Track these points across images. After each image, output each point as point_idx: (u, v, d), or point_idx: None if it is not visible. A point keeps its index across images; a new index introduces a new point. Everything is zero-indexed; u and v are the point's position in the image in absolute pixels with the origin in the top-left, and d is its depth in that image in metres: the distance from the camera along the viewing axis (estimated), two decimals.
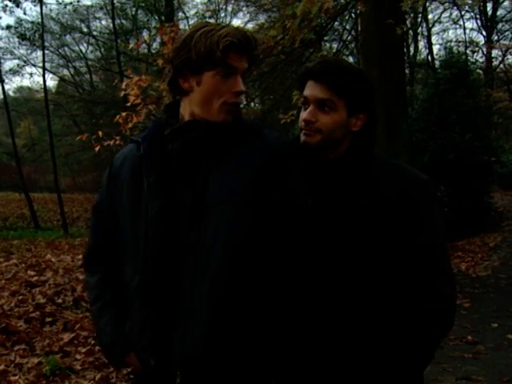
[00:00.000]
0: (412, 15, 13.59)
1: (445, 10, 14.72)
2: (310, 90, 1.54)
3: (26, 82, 52.33)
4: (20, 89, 28.04)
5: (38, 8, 18.32)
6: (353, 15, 9.27)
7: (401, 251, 1.49)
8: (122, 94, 6.48)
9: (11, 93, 25.43)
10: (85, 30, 23.49)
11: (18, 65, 22.23)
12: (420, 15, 14.11)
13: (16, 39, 20.31)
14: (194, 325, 1.43)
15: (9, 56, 22.00)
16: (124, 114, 6.95)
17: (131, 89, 6.53)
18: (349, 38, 14.58)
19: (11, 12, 20.29)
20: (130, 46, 10.72)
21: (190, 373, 1.44)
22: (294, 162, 1.52)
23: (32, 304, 5.73)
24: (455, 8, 15.84)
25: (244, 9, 23.16)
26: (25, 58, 22.06)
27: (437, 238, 1.51)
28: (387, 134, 6.21)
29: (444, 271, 1.50)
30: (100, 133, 7.31)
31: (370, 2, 5.11)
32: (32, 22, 19.11)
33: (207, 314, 1.41)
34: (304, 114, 1.54)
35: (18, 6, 17.03)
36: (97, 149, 6.88)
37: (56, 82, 27.63)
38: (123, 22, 22.49)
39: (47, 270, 7.89)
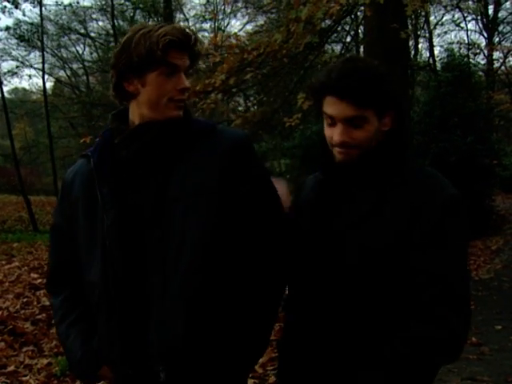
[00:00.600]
0: (413, 17, 13.64)
1: (447, 11, 14.79)
2: (334, 108, 1.42)
3: (24, 84, 52.25)
4: (15, 90, 28.05)
5: (36, 9, 18.28)
6: (355, 18, 9.31)
7: (406, 268, 1.36)
8: None
9: (6, 94, 25.41)
10: (82, 31, 23.48)
11: (16, 66, 22.24)
12: (423, 18, 14.17)
13: (13, 40, 20.36)
14: (169, 325, 1.41)
15: (6, 57, 22.00)
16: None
17: None
18: (350, 40, 14.67)
19: (10, 13, 20.21)
20: None
21: (173, 367, 1.44)
22: (255, 154, 1.54)
23: (37, 306, 5.76)
24: (457, 10, 15.91)
25: (243, 10, 23.24)
26: (21, 60, 22.06)
27: (450, 261, 1.36)
28: None
29: (452, 300, 1.33)
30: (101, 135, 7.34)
31: (375, 6, 5.14)
32: (31, 24, 19.13)
33: (182, 312, 1.41)
34: (336, 136, 1.43)
35: (16, 7, 17.02)
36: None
37: (52, 84, 27.63)
38: (121, 23, 22.52)
39: None
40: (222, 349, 1.45)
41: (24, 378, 3.77)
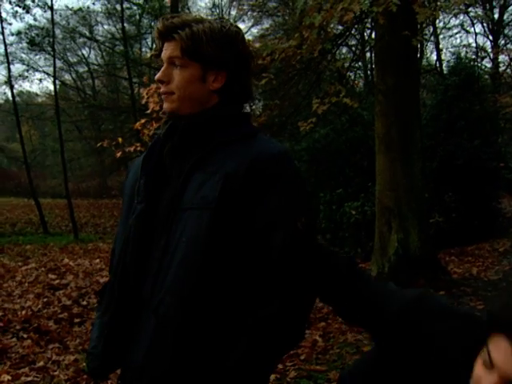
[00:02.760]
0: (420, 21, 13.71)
1: (454, 16, 14.89)
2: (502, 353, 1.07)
3: (35, 88, 52.45)
4: (20, 93, 28.24)
5: (45, 14, 18.47)
6: (367, 24, 9.44)
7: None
8: (144, 101, 6.66)
9: (10, 97, 25.60)
10: (88, 34, 23.67)
11: (26, 70, 22.45)
12: (430, 22, 14.27)
13: (22, 44, 20.55)
14: (140, 338, 1.36)
15: (15, 61, 22.18)
16: (143, 120, 7.15)
17: (151, 96, 6.73)
18: (356, 44, 14.81)
19: (21, 18, 20.49)
20: (148, 54, 10.86)
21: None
22: (279, 181, 1.32)
23: (58, 306, 5.91)
24: (464, 14, 15.99)
25: (249, 13, 23.37)
26: (29, 63, 22.24)
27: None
28: (401, 142, 6.35)
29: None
30: (120, 139, 7.51)
31: (387, 13, 5.27)
32: (42, 28, 19.32)
33: (151, 329, 1.34)
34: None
35: (28, 12, 17.23)
36: (118, 154, 7.06)
37: (58, 87, 27.80)
38: (126, 26, 22.69)
39: (67, 273, 8.06)
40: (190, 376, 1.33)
41: (54, 373, 3.92)
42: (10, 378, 3.78)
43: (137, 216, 1.42)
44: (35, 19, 17.57)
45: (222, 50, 1.38)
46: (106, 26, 24.18)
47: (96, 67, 25.77)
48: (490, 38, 18.73)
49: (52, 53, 18.14)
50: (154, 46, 1.50)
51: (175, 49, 1.38)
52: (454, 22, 18.76)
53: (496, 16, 17.49)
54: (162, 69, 1.41)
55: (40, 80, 31.42)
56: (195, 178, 1.35)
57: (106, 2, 21.81)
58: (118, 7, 20.11)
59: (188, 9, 21.99)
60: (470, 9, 14.08)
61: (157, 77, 1.43)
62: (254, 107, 17.94)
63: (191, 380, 1.32)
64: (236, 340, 1.29)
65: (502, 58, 17.35)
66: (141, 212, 1.42)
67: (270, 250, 1.30)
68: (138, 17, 21.57)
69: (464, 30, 18.83)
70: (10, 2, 16.02)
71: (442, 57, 18.17)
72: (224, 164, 1.33)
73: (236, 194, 1.30)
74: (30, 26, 18.78)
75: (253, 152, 1.33)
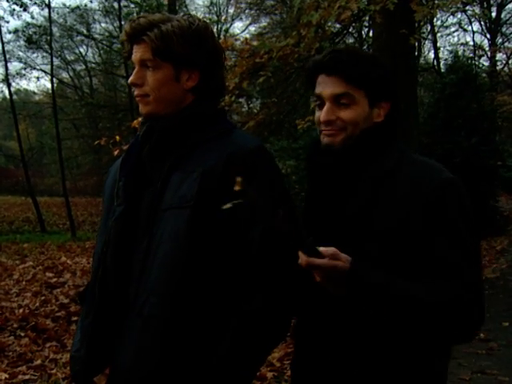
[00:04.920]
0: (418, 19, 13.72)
1: (452, 14, 14.90)
2: (323, 86, 1.36)
3: (32, 86, 52.33)
4: (17, 91, 28.20)
5: (43, 12, 18.39)
6: (365, 23, 9.44)
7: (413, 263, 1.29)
8: None
9: (7, 95, 25.56)
10: (85, 32, 23.62)
11: (24, 68, 22.38)
12: (428, 21, 14.28)
13: (19, 42, 20.51)
14: (126, 341, 1.35)
15: (12, 59, 22.12)
16: (140, 118, 7.13)
17: None
18: (353, 42, 14.83)
19: (19, 16, 20.43)
20: None
21: None
22: (256, 175, 1.30)
23: (56, 304, 5.89)
24: (461, 12, 15.99)
25: (246, 11, 23.35)
26: (26, 61, 22.18)
27: (460, 244, 1.28)
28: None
29: (468, 283, 1.27)
30: (117, 137, 7.48)
31: (384, 12, 5.27)
32: (39, 26, 19.28)
33: (137, 331, 1.33)
34: (322, 115, 1.36)
35: (25, 10, 17.18)
36: (116, 152, 7.04)
37: (55, 85, 27.75)
38: (123, 24, 22.63)
39: (65, 271, 8.05)
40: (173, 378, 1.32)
41: (51, 372, 3.91)
42: (7, 376, 3.78)
43: (116, 218, 1.41)
44: (32, 17, 17.60)
45: (193, 48, 1.37)
46: (103, 24, 24.13)
47: (93, 65, 25.70)
48: (488, 36, 18.76)
49: (49, 51, 18.11)
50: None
51: (146, 51, 1.36)
52: (451, 20, 18.79)
53: (493, 14, 17.52)
54: (134, 71, 1.39)
55: (37, 78, 31.47)
56: (174, 178, 1.35)
57: (103, 0, 21.74)
58: (116, 5, 20.10)
59: (185, 7, 21.95)
60: (467, 7, 14.10)
61: (130, 80, 1.40)
62: (251, 105, 17.95)
63: (179, 379, 1.31)
64: (221, 336, 1.29)
65: (499, 56, 17.40)
66: (120, 214, 1.41)
67: (249, 245, 1.29)
68: (135, 15, 21.48)
69: (462, 28, 18.88)
70: (8, 0, 15.99)
71: (440, 55, 18.20)
72: (201, 162, 1.33)
73: (214, 191, 1.30)
74: (28, 24, 18.78)
75: (229, 148, 1.34)
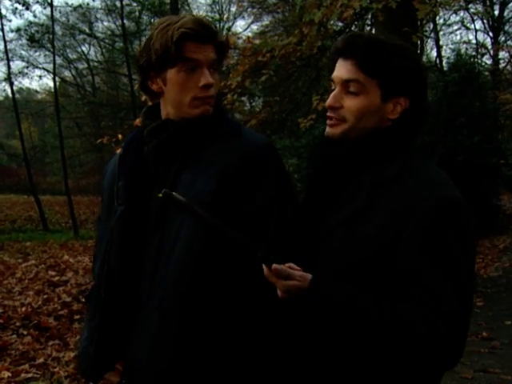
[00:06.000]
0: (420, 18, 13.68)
1: (454, 12, 14.84)
2: (337, 69, 1.30)
3: (34, 84, 52.35)
4: (20, 90, 28.20)
5: (45, 11, 18.43)
6: (367, 21, 9.43)
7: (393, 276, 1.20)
8: (144, 98, 6.64)
9: (9, 94, 25.58)
10: (87, 31, 23.62)
11: (26, 67, 22.38)
12: (431, 21, 14.25)
13: (21, 41, 20.50)
14: (144, 335, 1.35)
15: (15, 58, 22.11)
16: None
17: None
18: None
19: (21, 15, 20.44)
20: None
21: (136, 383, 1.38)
22: (270, 170, 1.36)
23: (58, 303, 5.90)
24: (464, 10, 15.93)
25: (248, 10, 23.31)
26: (29, 60, 22.18)
27: (451, 273, 1.17)
28: None
29: (449, 312, 1.15)
30: (120, 136, 7.49)
31: (386, 10, 5.26)
32: (41, 25, 19.28)
33: (155, 325, 1.33)
34: (328, 99, 1.31)
35: (27, 8, 17.19)
36: (118, 151, 7.04)
37: (58, 84, 27.74)
38: (126, 22, 22.62)
39: (67, 270, 8.06)
40: (191, 375, 1.32)
41: (54, 370, 3.92)
42: (10, 374, 3.79)
43: (118, 218, 1.40)
44: (35, 16, 17.59)
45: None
46: (105, 23, 24.10)
47: (96, 64, 25.69)
48: (491, 34, 18.68)
49: (52, 49, 18.13)
50: None
51: None
52: (454, 18, 18.65)
53: (496, 12, 17.45)
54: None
55: (40, 77, 31.33)
56: (185, 176, 1.35)
57: None
58: (118, 4, 20.04)
59: (188, 5, 21.94)
60: (470, 5, 14.06)
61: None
62: (253, 104, 17.94)
63: (195, 373, 1.32)
64: (237, 329, 1.32)
65: (502, 54, 17.32)
66: (122, 214, 1.40)
67: (265, 237, 1.31)
68: (137, 13, 21.50)
69: (464, 26, 18.80)
70: None
71: (442, 53, 18.15)
72: (215, 160, 1.35)
73: (231, 187, 1.32)
74: (30, 23, 18.74)
75: (243, 146, 1.36)
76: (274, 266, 1.19)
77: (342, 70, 1.28)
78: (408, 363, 1.20)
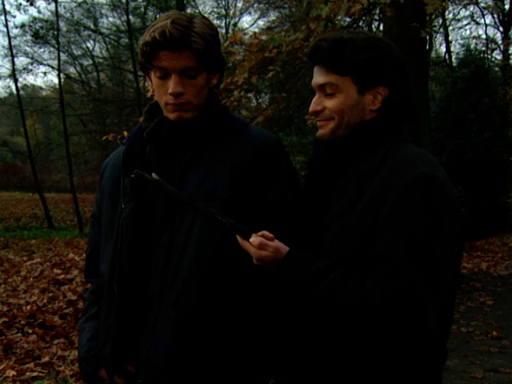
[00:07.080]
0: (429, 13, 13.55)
1: (464, 6, 14.63)
2: (313, 76, 1.36)
3: (39, 81, 52.46)
4: (24, 87, 28.24)
5: (49, 6, 18.33)
6: (375, 16, 9.34)
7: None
8: (149, 94, 6.58)
9: (14, 91, 25.60)
10: (92, 27, 23.60)
11: (31, 63, 22.38)
12: (440, 16, 14.10)
13: (26, 37, 20.48)
14: (159, 333, 1.34)
15: (19, 54, 22.11)
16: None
17: None
18: None
19: (25, 11, 20.37)
20: None
21: (153, 382, 1.36)
22: (282, 168, 1.40)
23: (64, 301, 5.88)
24: (474, 4, 15.73)
25: (255, 5, 23.20)
26: (33, 56, 22.17)
27: (400, 243, 1.19)
28: (409, 135, 6.26)
29: (403, 288, 1.16)
30: (125, 133, 7.44)
31: (394, 5, 5.18)
32: (46, 21, 19.25)
33: (172, 322, 1.32)
34: (310, 105, 1.37)
35: (32, 4, 17.14)
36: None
37: (62, 80, 27.77)
38: (131, 18, 22.57)
39: (72, 268, 8.04)
40: (206, 370, 1.34)
41: (59, 369, 3.89)
42: (15, 373, 3.76)
43: (129, 215, 1.40)
44: (39, 12, 17.56)
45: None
46: (110, 19, 24.05)
47: (101, 60, 25.65)
48: (501, 29, 18.48)
49: (56, 46, 18.10)
50: None
51: None
52: (463, 13, 18.44)
53: (507, 7, 17.24)
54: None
55: (44, 73, 31.33)
56: (194, 172, 1.37)
57: None
58: None
59: (194, 0, 21.87)
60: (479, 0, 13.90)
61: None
62: (260, 100, 17.87)
63: (214, 370, 1.33)
64: (254, 326, 1.36)
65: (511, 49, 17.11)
66: (132, 211, 1.40)
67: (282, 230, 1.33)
68: (143, 9, 21.47)
69: (474, 21, 18.58)
70: None
71: (452, 49, 18.00)
72: (226, 156, 1.37)
73: (245, 182, 1.35)
74: (34, 19, 18.70)
75: (253, 142, 1.39)
76: (252, 238, 1.26)
77: (316, 75, 1.35)
78: (373, 340, 1.22)
